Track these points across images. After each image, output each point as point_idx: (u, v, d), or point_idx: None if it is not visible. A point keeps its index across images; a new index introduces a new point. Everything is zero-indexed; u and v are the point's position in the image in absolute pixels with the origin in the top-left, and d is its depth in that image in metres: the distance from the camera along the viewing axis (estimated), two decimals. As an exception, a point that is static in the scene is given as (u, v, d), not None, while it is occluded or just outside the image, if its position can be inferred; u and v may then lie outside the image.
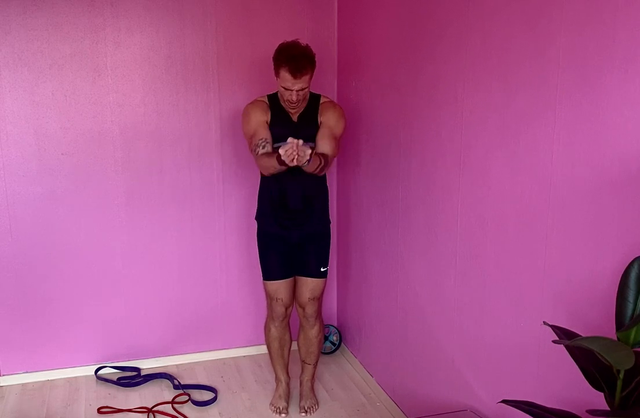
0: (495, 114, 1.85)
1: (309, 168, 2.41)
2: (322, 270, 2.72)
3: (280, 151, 2.25)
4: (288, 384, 2.88)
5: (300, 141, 2.23)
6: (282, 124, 2.56)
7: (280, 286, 2.71)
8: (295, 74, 2.35)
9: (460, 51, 2.01)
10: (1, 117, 2.80)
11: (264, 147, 2.50)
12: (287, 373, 2.89)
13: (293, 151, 2.22)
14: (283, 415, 2.77)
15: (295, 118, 2.57)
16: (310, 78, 2.43)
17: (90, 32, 2.82)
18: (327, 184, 2.72)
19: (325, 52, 3.15)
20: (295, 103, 2.47)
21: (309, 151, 2.26)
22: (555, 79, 1.59)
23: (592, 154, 1.49)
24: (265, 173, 2.56)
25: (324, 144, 2.53)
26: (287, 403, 2.83)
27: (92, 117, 2.90)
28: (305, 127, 2.56)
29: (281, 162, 2.30)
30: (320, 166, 2.45)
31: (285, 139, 2.36)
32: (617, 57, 1.39)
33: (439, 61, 2.15)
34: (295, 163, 2.26)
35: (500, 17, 1.79)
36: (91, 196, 2.97)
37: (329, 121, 2.57)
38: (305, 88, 2.43)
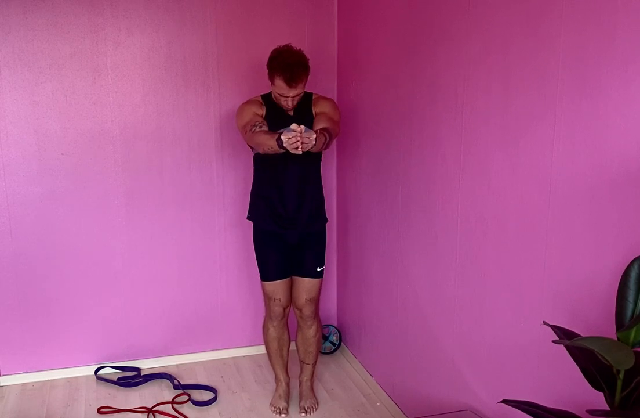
0: (495, 114, 1.85)
1: (316, 149, 2.34)
2: (318, 269, 2.71)
3: (283, 137, 2.18)
4: (288, 384, 2.88)
5: (303, 127, 2.19)
6: (278, 118, 2.56)
7: (278, 287, 2.71)
8: (291, 83, 2.36)
9: (460, 51, 2.01)
10: (1, 117, 2.80)
11: (260, 127, 2.47)
12: (287, 373, 2.89)
13: (297, 140, 2.17)
14: (283, 415, 2.77)
15: (291, 113, 2.58)
16: (305, 83, 2.44)
17: (90, 32, 2.82)
18: (322, 183, 2.72)
19: (325, 52, 3.15)
20: (290, 108, 2.51)
21: (314, 136, 2.21)
22: (555, 79, 1.59)
23: (592, 154, 1.49)
24: (260, 150, 2.47)
25: (323, 122, 2.51)
26: (287, 403, 2.82)
27: (92, 117, 2.90)
28: (302, 120, 2.53)
29: (280, 146, 2.24)
30: (326, 142, 2.39)
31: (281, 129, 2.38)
32: (617, 57, 1.39)
33: (439, 60, 2.15)
34: (299, 151, 2.20)
35: (501, 18, 1.79)
36: (91, 196, 2.97)
37: (324, 108, 2.59)
38: (300, 93, 2.45)
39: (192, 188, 3.11)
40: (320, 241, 2.74)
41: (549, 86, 1.61)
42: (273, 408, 2.81)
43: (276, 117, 2.56)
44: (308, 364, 2.85)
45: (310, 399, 2.83)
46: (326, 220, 2.76)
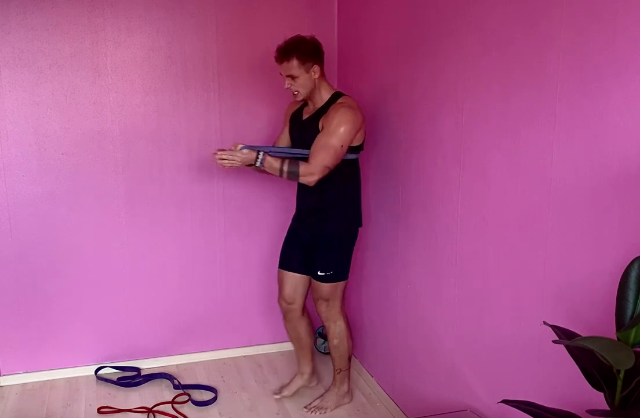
0: (495, 114, 1.85)
1: (270, 172, 2.44)
2: (319, 273, 2.63)
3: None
4: (302, 377, 2.94)
5: (240, 146, 2.39)
6: (294, 121, 2.64)
7: (283, 277, 2.77)
8: (278, 59, 2.44)
9: (460, 50, 2.01)
10: (1, 117, 2.80)
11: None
12: (305, 365, 2.94)
13: (216, 156, 2.38)
14: (276, 396, 2.91)
15: (305, 117, 2.59)
16: (300, 67, 2.41)
17: (90, 32, 2.82)
18: (350, 188, 2.60)
19: (325, 51, 3.13)
20: (292, 92, 2.49)
21: (237, 158, 2.36)
22: (555, 79, 1.59)
23: (592, 154, 1.49)
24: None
25: (311, 153, 2.43)
26: (291, 390, 2.91)
27: (92, 117, 2.90)
28: (309, 127, 2.52)
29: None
30: (284, 174, 2.39)
31: (295, 136, 2.60)
32: (617, 56, 1.39)
33: (439, 60, 2.15)
34: (222, 167, 2.42)
35: (501, 17, 1.79)
36: (91, 196, 2.97)
37: (328, 127, 2.41)
38: (295, 77, 2.43)
39: (192, 188, 3.10)
40: (330, 246, 2.62)
41: (549, 86, 1.61)
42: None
43: (293, 121, 2.64)
44: (334, 369, 2.83)
45: (322, 402, 2.82)
46: (344, 225, 2.62)
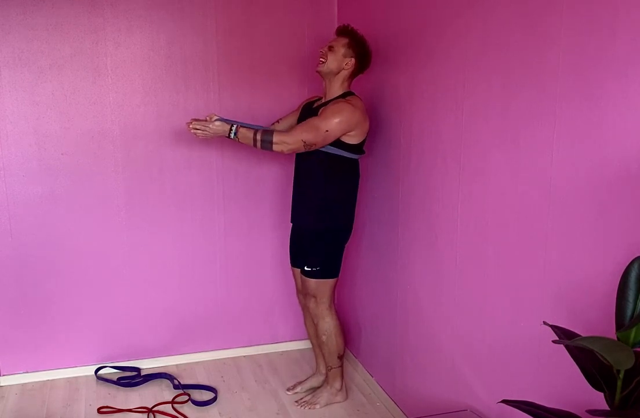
0: (495, 114, 1.85)
1: (245, 143, 2.48)
2: (306, 268, 2.67)
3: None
4: (317, 377, 2.95)
5: (214, 117, 2.46)
6: (304, 110, 2.69)
7: (294, 273, 2.89)
8: (337, 31, 2.57)
9: (460, 50, 2.02)
10: (1, 117, 2.80)
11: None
12: (322, 365, 2.92)
13: (193, 125, 2.44)
14: (288, 392, 2.93)
15: (314, 106, 2.65)
16: (343, 47, 2.49)
17: (90, 32, 2.82)
18: (345, 188, 2.61)
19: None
20: (319, 58, 2.53)
21: (211, 126, 2.42)
22: (555, 79, 1.59)
23: (592, 155, 1.49)
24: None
25: (295, 125, 2.55)
26: (304, 387, 2.93)
27: (92, 117, 2.90)
28: (312, 115, 2.56)
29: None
30: (257, 143, 2.44)
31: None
32: (618, 57, 1.39)
33: (439, 59, 2.15)
34: (196, 136, 2.48)
35: (501, 17, 1.79)
36: (91, 196, 2.97)
37: (322, 113, 2.47)
38: (333, 50, 2.49)
39: (192, 188, 3.10)
40: (319, 243, 2.65)
41: (549, 86, 1.61)
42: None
43: (304, 109, 2.69)
44: (325, 366, 2.85)
45: (313, 398, 2.83)
46: (331, 223, 2.63)
